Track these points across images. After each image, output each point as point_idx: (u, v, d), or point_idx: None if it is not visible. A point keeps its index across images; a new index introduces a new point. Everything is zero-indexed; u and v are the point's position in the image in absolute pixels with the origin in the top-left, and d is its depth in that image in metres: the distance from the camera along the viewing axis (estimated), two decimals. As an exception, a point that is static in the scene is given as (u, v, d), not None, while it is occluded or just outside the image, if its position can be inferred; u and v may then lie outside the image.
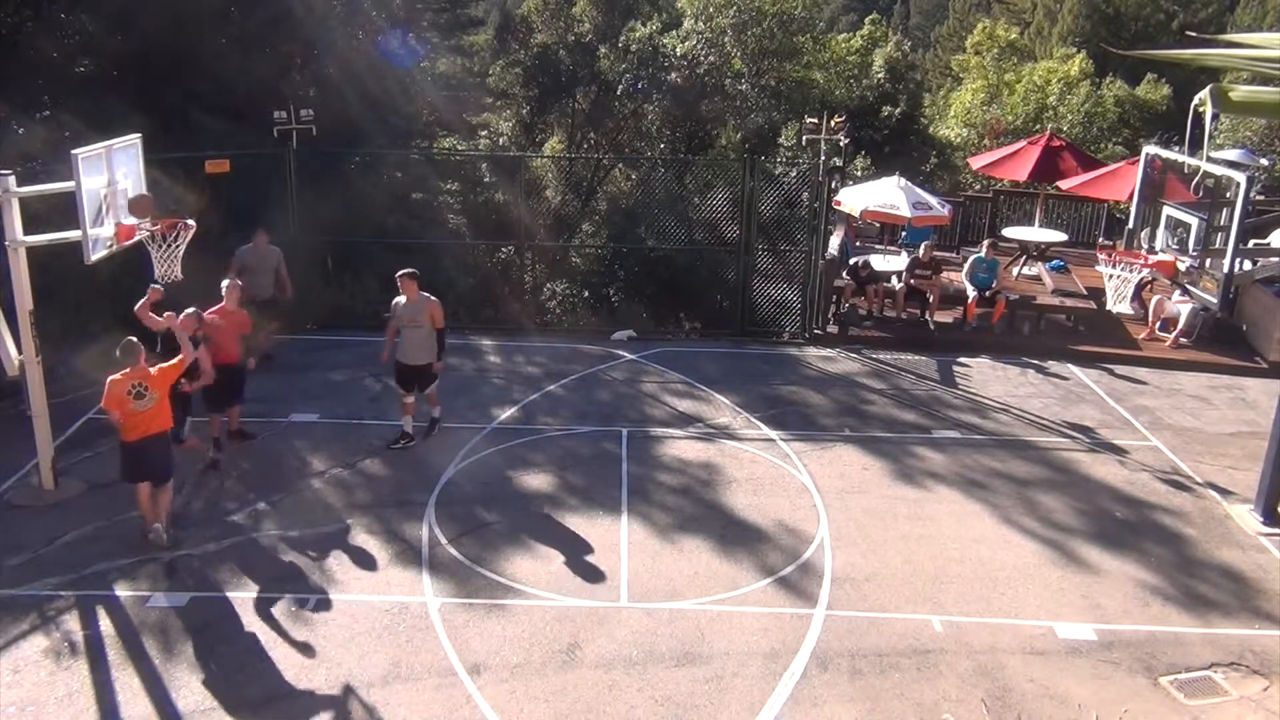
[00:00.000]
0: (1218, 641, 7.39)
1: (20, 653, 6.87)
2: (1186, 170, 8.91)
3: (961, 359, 13.05)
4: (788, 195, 14.41)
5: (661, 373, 12.40)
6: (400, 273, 9.80)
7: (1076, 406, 11.65)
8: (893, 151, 24.62)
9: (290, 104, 13.46)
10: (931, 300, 13.88)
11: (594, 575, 7.99)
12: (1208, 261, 8.70)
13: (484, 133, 22.64)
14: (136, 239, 8.66)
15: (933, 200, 14.66)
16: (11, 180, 8.07)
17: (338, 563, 8.06)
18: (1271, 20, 39.69)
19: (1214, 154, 13.08)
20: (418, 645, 7.07)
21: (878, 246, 15.91)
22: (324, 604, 7.50)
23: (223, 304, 9.45)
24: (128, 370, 7.87)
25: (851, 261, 14.32)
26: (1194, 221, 8.95)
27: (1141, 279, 11.33)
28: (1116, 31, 38.14)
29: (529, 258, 15.48)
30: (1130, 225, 10.19)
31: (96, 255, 8.27)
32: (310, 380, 11.81)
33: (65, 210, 8.11)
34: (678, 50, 22.68)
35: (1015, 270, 15.84)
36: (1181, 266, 9.06)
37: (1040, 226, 17.07)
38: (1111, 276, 9.62)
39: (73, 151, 7.92)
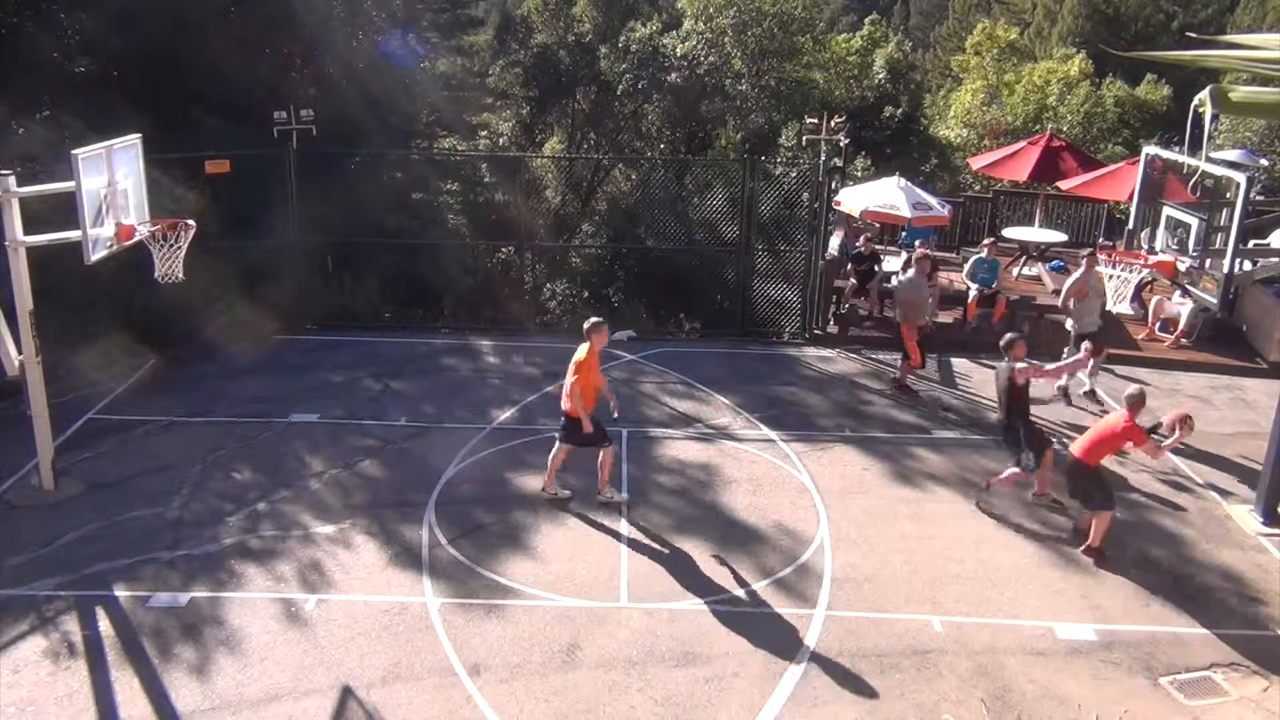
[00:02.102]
0: (1218, 641, 7.39)
1: (20, 653, 6.87)
2: (1186, 171, 8.91)
3: (961, 359, 13.04)
4: (787, 195, 14.40)
5: (661, 373, 12.40)
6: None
7: (1077, 406, 11.65)
8: (893, 152, 24.63)
9: (290, 104, 13.47)
10: (931, 300, 13.86)
11: (594, 576, 7.98)
12: (1208, 262, 8.70)
13: (484, 133, 22.62)
14: (136, 239, 8.67)
15: (932, 200, 14.66)
16: (11, 180, 8.07)
17: (337, 563, 8.07)
18: (1271, 20, 39.68)
19: (1214, 154, 13.08)
20: (418, 645, 7.07)
21: (876, 247, 15.88)
22: (324, 604, 7.51)
23: None
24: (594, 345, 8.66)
25: (858, 248, 14.30)
26: (1194, 222, 8.95)
27: (1141, 279, 11.33)
28: (1116, 32, 38.18)
29: (529, 258, 15.48)
30: (1130, 225, 10.19)
31: (96, 255, 8.27)
32: (310, 380, 11.81)
33: (65, 210, 8.11)
34: (678, 51, 22.68)
35: (1015, 270, 15.84)
36: (1181, 267, 9.06)
37: (1040, 227, 17.07)
38: (1111, 277, 9.62)
39: (73, 151, 7.92)
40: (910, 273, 12.00)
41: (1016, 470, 9.03)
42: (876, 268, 14.22)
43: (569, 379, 8.63)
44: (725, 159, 21.07)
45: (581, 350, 8.65)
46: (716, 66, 23.09)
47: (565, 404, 8.78)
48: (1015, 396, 8.96)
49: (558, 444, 8.99)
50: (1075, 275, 11.65)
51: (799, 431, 10.72)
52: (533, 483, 9.47)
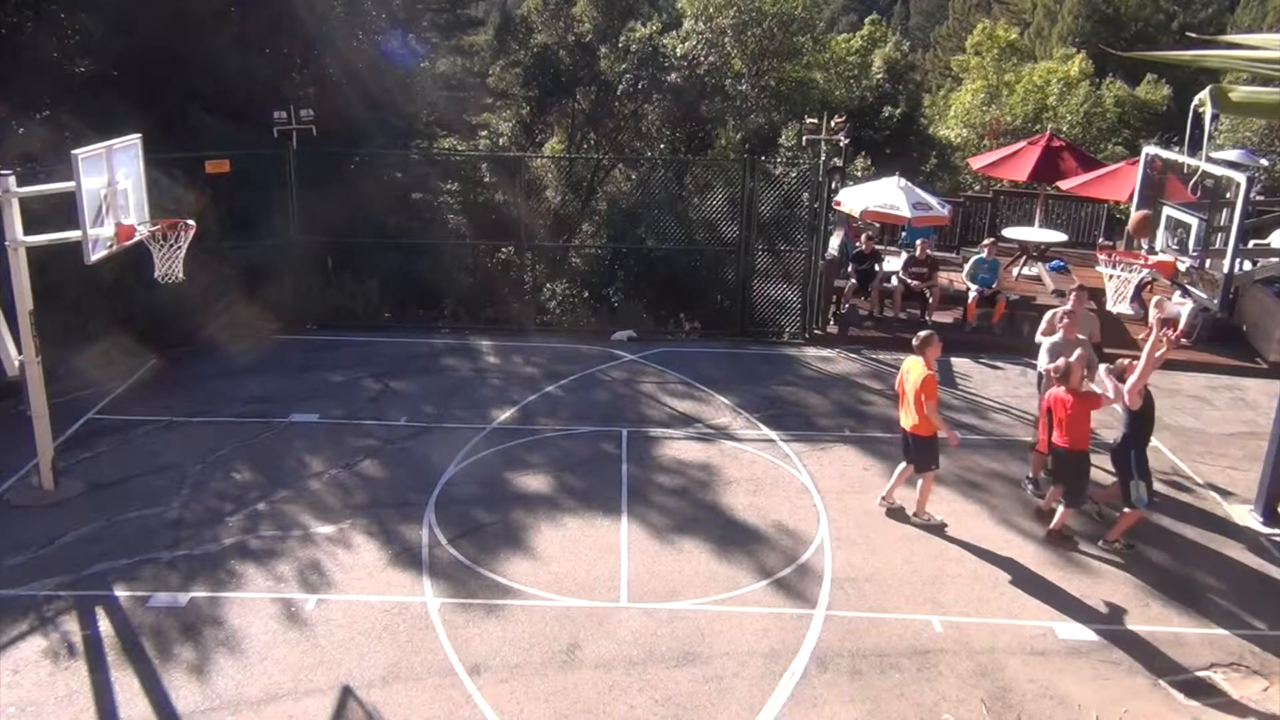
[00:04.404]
0: (1218, 641, 7.39)
1: (20, 653, 6.87)
2: (1186, 171, 8.90)
3: (961, 359, 13.04)
4: (787, 195, 14.41)
5: (661, 373, 12.40)
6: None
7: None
8: (893, 152, 24.63)
9: (290, 104, 13.48)
10: (931, 300, 13.89)
11: (594, 576, 7.98)
12: (1208, 262, 8.69)
13: (484, 133, 22.63)
14: (136, 239, 8.67)
15: (932, 200, 14.66)
16: (11, 180, 8.08)
17: (337, 563, 8.07)
18: (1271, 20, 39.71)
19: (1214, 154, 13.05)
20: (418, 645, 7.07)
21: (877, 247, 15.90)
22: (324, 604, 7.51)
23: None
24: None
25: (858, 247, 14.30)
26: (1194, 222, 8.93)
27: (1141, 279, 11.31)
28: (1116, 32, 38.19)
29: (529, 258, 15.48)
30: (1130, 225, 10.18)
31: (96, 255, 8.27)
32: (310, 380, 11.81)
33: (65, 210, 8.12)
34: (678, 50, 22.67)
35: (1015, 270, 15.84)
36: (1181, 267, 9.05)
37: (1040, 227, 17.08)
38: (1111, 277, 9.61)
39: (73, 151, 7.93)
40: (1056, 337, 9.59)
41: (1131, 511, 8.37)
42: (877, 267, 14.23)
43: (924, 400, 8.34)
44: (725, 159, 21.07)
45: (919, 367, 8.44)
46: (716, 66, 23.09)
47: (909, 424, 8.62)
48: (1140, 416, 8.29)
49: (921, 475, 8.79)
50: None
51: (799, 431, 10.73)
52: (533, 483, 9.47)
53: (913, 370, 8.57)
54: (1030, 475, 9.65)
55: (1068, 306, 9.82)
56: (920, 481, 8.85)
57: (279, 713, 6.41)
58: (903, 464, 8.97)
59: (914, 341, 8.67)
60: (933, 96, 35.23)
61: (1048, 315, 10.08)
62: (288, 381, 11.72)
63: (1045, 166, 16.47)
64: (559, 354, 13.03)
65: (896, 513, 9.01)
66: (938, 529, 8.81)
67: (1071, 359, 8.51)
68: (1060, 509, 8.62)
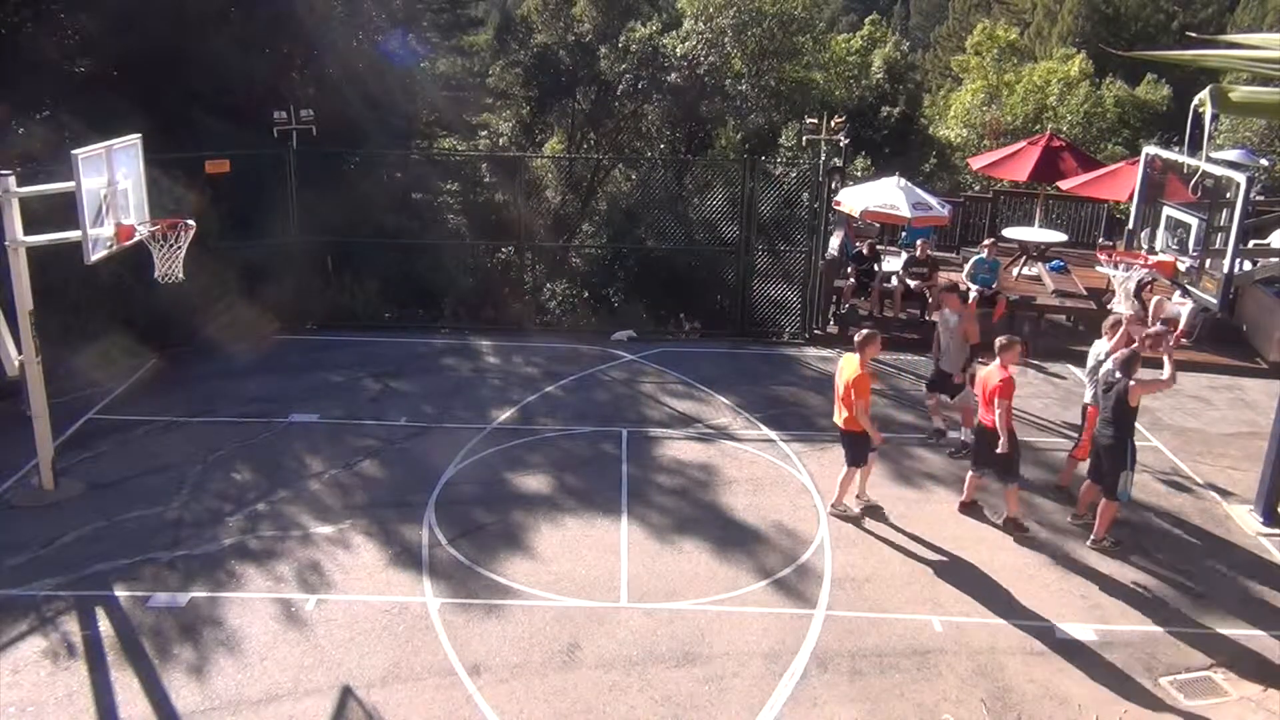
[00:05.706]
0: (1218, 642, 7.39)
1: (20, 653, 6.87)
2: (1186, 171, 8.90)
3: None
4: (787, 195, 14.41)
5: (661, 373, 12.40)
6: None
7: (1076, 407, 11.58)
8: (892, 152, 24.64)
9: (290, 104, 13.47)
10: (931, 301, 13.87)
11: (594, 576, 7.98)
12: (1208, 262, 8.69)
13: (484, 133, 22.62)
14: (136, 239, 8.67)
15: (932, 200, 14.65)
16: (11, 180, 8.07)
17: (337, 563, 8.07)
18: (1271, 20, 39.69)
19: (1214, 154, 13.05)
20: (418, 645, 7.07)
21: (877, 248, 15.90)
22: (324, 604, 7.51)
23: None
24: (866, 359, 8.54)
25: (858, 247, 14.30)
26: (1194, 222, 8.94)
27: (1141, 279, 11.32)
28: (1116, 32, 38.17)
29: (529, 258, 15.48)
30: (1130, 225, 10.18)
31: (96, 255, 8.27)
32: (310, 380, 11.81)
33: (65, 210, 8.11)
34: (678, 50, 22.67)
35: (1015, 270, 15.84)
36: (1181, 267, 9.05)
37: (1040, 227, 17.07)
38: (1111, 277, 9.61)
39: (73, 151, 7.93)
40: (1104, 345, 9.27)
41: (1110, 504, 8.43)
42: (877, 267, 14.23)
43: (853, 399, 8.38)
44: (725, 159, 21.07)
45: (854, 365, 8.46)
46: (716, 66, 23.08)
47: (841, 420, 8.68)
48: (1125, 410, 8.23)
49: (847, 468, 8.84)
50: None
51: (799, 431, 10.72)
52: (533, 483, 9.47)
53: (846, 367, 8.59)
54: (1060, 485, 9.62)
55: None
56: (845, 473, 8.89)
57: (279, 713, 6.41)
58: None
59: (855, 338, 8.69)
60: (932, 96, 35.23)
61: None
62: (288, 381, 11.72)
63: (1045, 166, 16.47)
64: (559, 354, 13.03)
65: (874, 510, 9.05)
66: (857, 520, 8.87)
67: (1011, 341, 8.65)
68: (1007, 495, 8.81)
